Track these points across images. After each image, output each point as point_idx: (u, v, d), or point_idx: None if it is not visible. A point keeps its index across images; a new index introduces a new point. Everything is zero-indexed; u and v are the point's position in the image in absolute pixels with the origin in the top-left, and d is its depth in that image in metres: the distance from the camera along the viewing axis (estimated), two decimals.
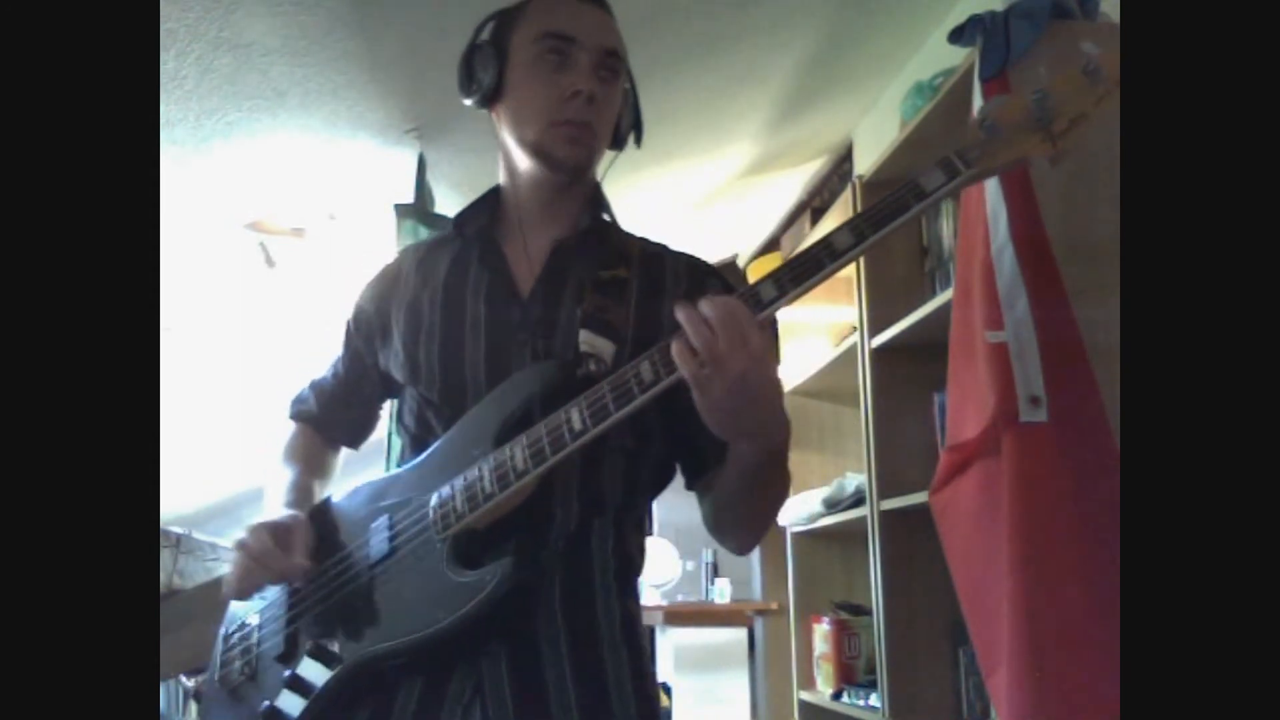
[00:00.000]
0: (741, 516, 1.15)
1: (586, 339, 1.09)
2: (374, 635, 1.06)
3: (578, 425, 1.00)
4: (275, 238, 3.41)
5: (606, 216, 1.22)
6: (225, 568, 1.15)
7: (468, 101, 1.20)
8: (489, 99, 1.19)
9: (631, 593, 1.14)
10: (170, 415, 3.07)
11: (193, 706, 5.21)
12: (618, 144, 1.23)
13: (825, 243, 0.97)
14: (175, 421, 4.27)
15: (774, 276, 0.98)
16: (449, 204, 3.09)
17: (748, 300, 0.96)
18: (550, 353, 1.11)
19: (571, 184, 1.18)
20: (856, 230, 0.97)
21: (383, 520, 1.11)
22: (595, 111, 1.13)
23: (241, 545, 1.10)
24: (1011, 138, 0.98)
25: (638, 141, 1.25)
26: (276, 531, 1.10)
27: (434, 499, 1.07)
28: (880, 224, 0.97)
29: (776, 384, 0.96)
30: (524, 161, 1.18)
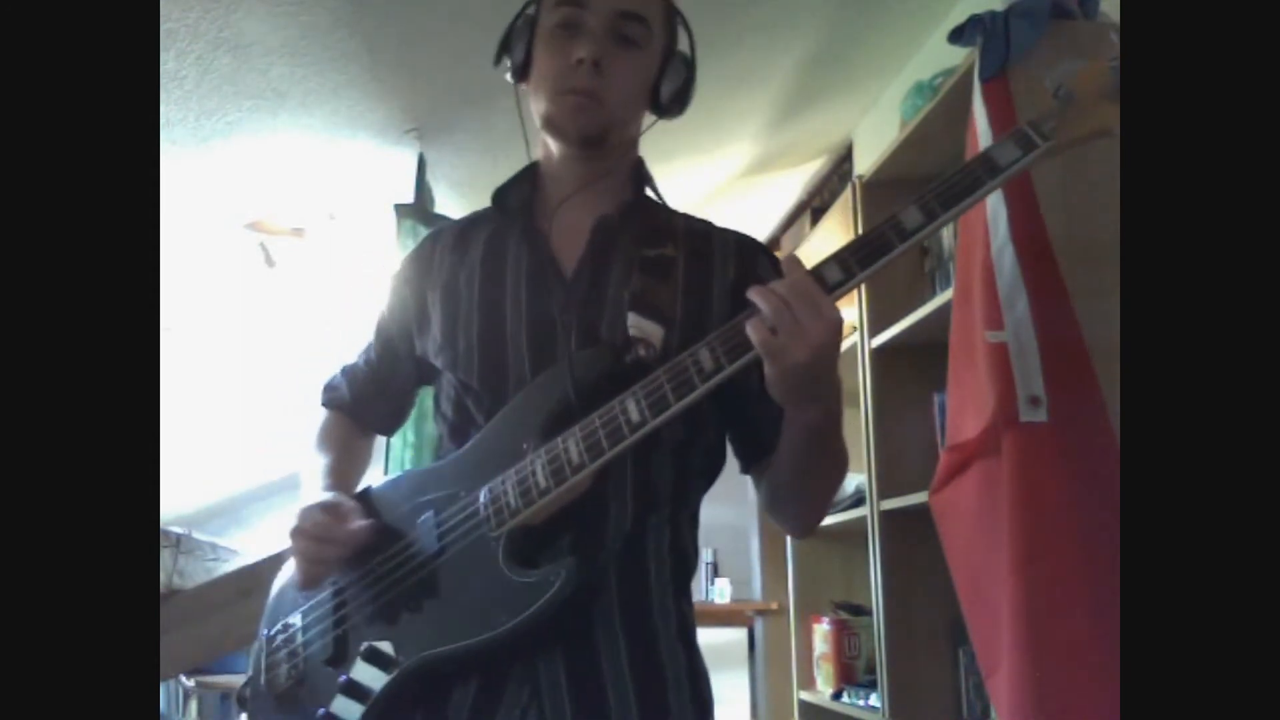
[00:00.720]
0: (803, 492, 1.11)
1: (635, 323, 1.05)
2: (431, 638, 1.02)
3: (635, 417, 0.96)
4: (275, 238, 3.41)
5: (650, 193, 1.18)
6: (226, 567, 1.14)
7: (508, 77, 1.19)
8: (520, 74, 1.17)
9: (686, 593, 1.10)
10: (170, 415, 3.07)
11: (193, 706, 5.21)
12: (660, 109, 1.18)
13: (894, 222, 0.92)
14: (175, 421, 4.27)
15: (838, 258, 0.93)
16: (449, 204, 3.09)
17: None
18: (595, 336, 1.06)
19: (591, 156, 1.14)
20: (927, 209, 0.92)
21: (429, 515, 1.06)
22: (602, 78, 1.08)
23: (297, 532, 1.07)
24: (1090, 107, 0.91)
25: (678, 108, 1.18)
26: (326, 507, 1.08)
27: (483, 494, 1.02)
28: (951, 201, 0.91)
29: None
30: (545, 135, 1.16)
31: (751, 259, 1.16)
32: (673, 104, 1.18)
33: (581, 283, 1.10)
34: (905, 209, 0.92)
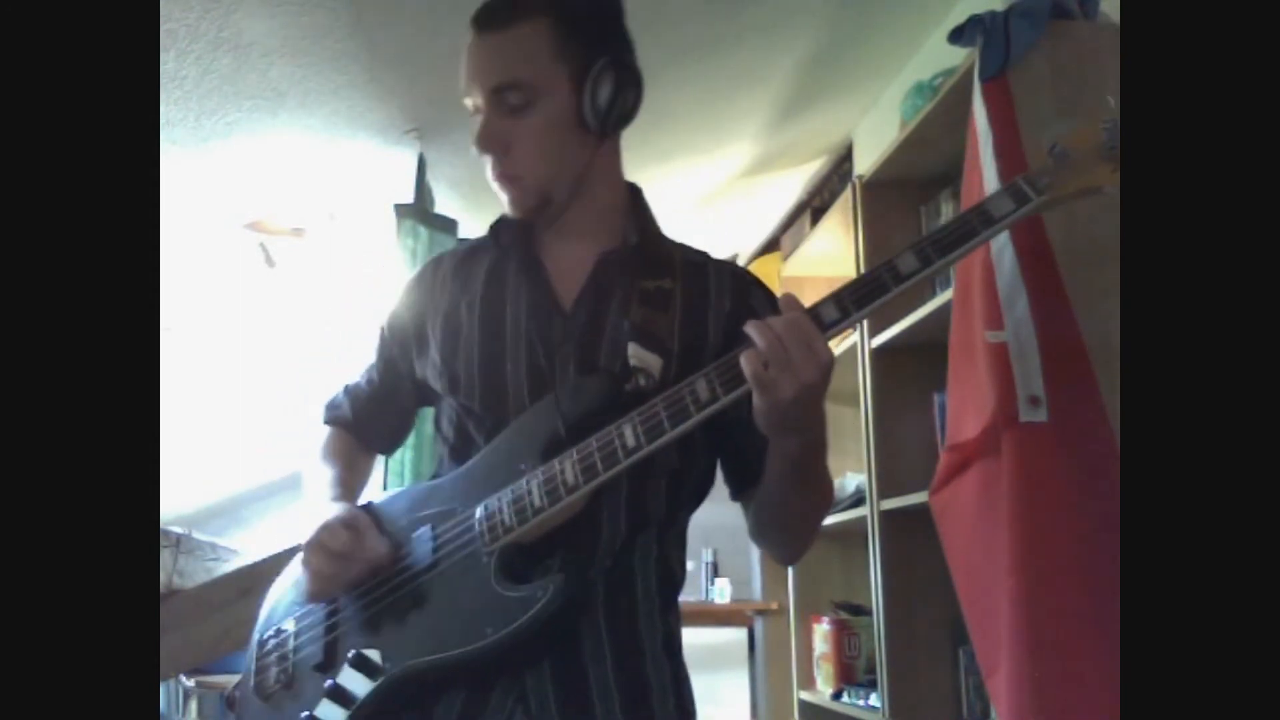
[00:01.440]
0: (786, 519, 1.14)
1: (635, 353, 1.07)
2: (419, 647, 1.04)
3: (630, 442, 0.99)
4: (275, 238, 3.41)
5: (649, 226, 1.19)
6: (226, 567, 1.14)
7: None
8: None
9: (673, 608, 1.13)
10: (170, 415, 3.07)
11: (193, 706, 5.21)
12: (602, 128, 1.11)
13: (889, 266, 0.97)
14: (175, 421, 4.27)
15: (835, 298, 0.98)
16: (449, 204, 3.09)
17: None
18: (594, 366, 1.09)
19: (550, 214, 1.14)
20: (922, 255, 0.97)
21: (425, 530, 1.09)
22: (507, 158, 1.10)
23: (319, 547, 1.07)
24: (1082, 166, 0.97)
25: (621, 120, 1.13)
26: (347, 524, 1.09)
27: (479, 511, 1.05)
28: (946, 249, 0.97)
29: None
30: None
31: (746, 292, 1.18)
32: (609, 121, 1.11)
33: (580, 314, 1.12)
34: (902, 254, 0.98)
